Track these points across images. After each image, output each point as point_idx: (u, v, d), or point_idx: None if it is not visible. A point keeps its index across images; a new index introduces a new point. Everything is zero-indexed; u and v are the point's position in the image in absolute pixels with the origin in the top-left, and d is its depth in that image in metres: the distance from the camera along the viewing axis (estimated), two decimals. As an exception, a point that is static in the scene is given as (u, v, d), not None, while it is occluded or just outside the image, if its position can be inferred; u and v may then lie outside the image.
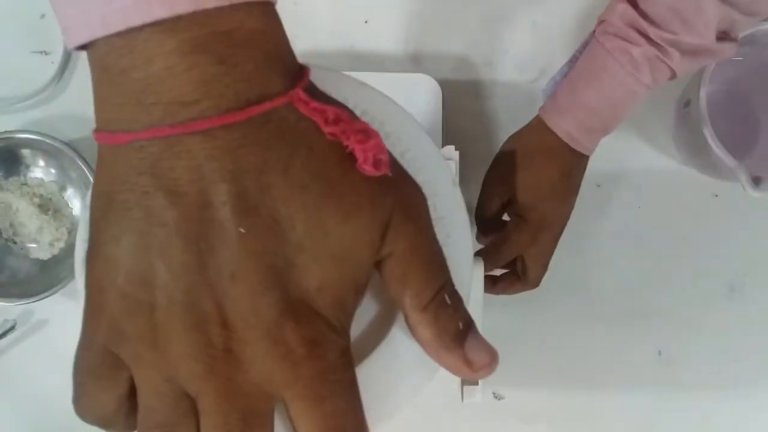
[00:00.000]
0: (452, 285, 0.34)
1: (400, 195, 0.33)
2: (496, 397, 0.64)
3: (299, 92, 0.30)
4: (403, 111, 0.39)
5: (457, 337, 0.34)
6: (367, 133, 0.32)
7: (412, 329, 0.34)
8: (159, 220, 0.29)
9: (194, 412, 0.30)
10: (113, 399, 0.31)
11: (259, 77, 0.30)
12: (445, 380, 0.53)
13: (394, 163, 0.33)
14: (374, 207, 0.32)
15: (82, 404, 0.31)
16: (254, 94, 0.29)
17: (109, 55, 0.29)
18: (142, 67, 0.29)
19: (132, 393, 0.31)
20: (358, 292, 0.32)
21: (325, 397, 0.30)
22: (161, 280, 0.29)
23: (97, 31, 0.28)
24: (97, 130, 0.30)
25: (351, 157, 0.32)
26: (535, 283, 0.61)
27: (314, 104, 0.31)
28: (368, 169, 0.31)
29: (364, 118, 0.33)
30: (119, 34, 0.28)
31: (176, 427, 0.30)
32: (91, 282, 0.31)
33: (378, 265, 0.33)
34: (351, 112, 0.32)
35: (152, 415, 0.30)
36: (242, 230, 0.29)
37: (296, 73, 0.31)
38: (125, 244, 0.29)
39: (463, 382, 0.55)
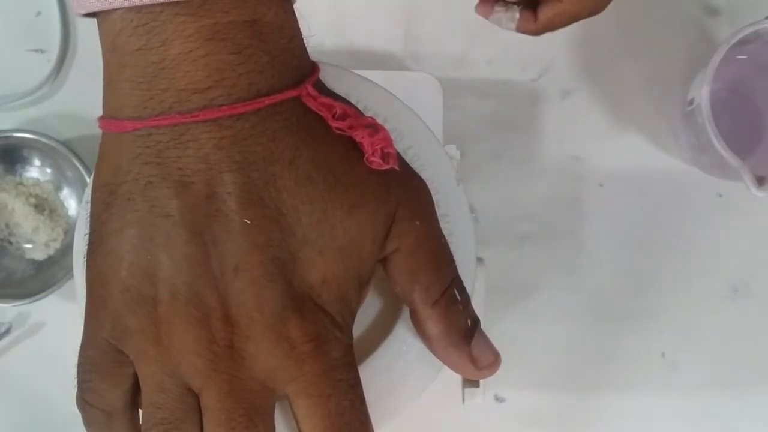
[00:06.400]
0: (461, 281, 0.34)
1: (405, 190, 0.33)
2: (497, 400, 0.64)
3: (308, 87, 0.31)
4: (406, 107, 0.39)
5: (465, 333, 0.34)
6: (375, 127, 0.32)
7: (420, 324, 0.34)
8: (163, 211, 0.29)
9: (198, 408, 0.30)
10: (119, 396, 0.31)
11: (272, 70, 0.30)
12: (446, 382, 0.53)
13: (400, 159, 0.34)
14: (379, 200, 0.32)
15: (87, 401, 0.31)
16: (265, 86, 0.29)
17: (122, 33, 0.29)
18: (157, 50, 0.28)
19: (137, 390, 0.31)
20: (362, 288, 0.32)
21: (330, 395, 0.30)
22: (164, 273, 0.29)
23: (116, 1, 0.28)
24: (102, 117, 0.30)
25: (357, 151, 0.32)
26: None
27: (322, 99, 0.31)
28: (376, 162, 0.31)
29: (367, 114, 0.33)
30: (139, 11, 0.28)
31: (181, 423, 0.29)
32: (93, 276, 0.31)
33: (383, 261, 0.33)
34: (357, 109, 0.33)
35: (156, 412, 0.30)
36: (247, 221, 0.29)
37: (307, 69, 0.32)
38: (128, 237, 0.29)
39: (464, 384, 0.54)
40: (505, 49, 0.65)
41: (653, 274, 0.64)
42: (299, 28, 0.32)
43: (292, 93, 0.30)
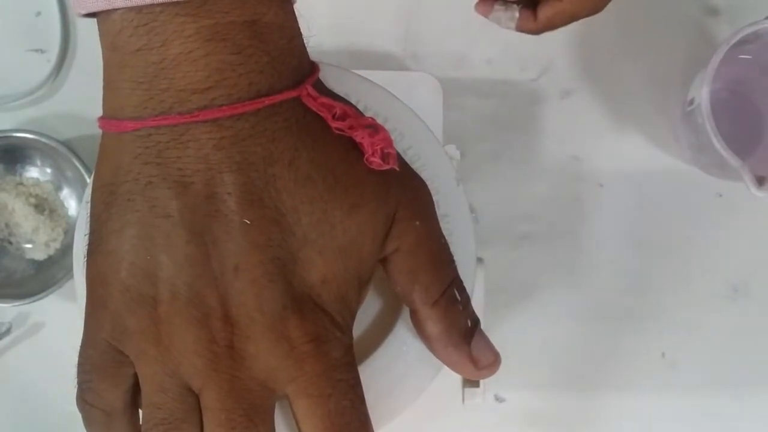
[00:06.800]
0: (461, 281, 0.34)
1: (405, 190, 0.33)
2: (497, 400, 0.64)
3: (308, 87, 0.31)
4: (406, 107, 0.39)
5: (465, 334, 0.34)
6: (375, 127, 0.32)
7: (420, 324, 0.34)
8: (163, 211, 0.29)
9: (198, 408, 0.30)
10: (119, 396, 0.31)
11: (271, 70, 0.30)
12: (446, 382, 0.53)
13: (400, 159, 0.34)
14: (379, 200, 0.32)
15: (87, 401, 0.31)
16: (265, 86, 0.29)
17: (122, 33, 0.29)
18: (157, 50, 0.28)
19: (137, 390, 0.31)
20: (362, 288, 0.32)
21: (330, 395, 0.30)
22: (165, 273, 0.29)
23: (117, 1, 0.28)
24: (102, 117, 0.30)
25: (357, 151, 0.32)
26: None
27: (322, 99, 0.31)
28: (376, 162, 0.31)
29: (367, 114, 0.33)
30: (139, 11, 0.28)
31: (181, 423, 0.29)
32: (93, 277, 0.31)
33: (383, 261, 0.33)
34: (357, 109, 0.33)
35: (156, 412, 0.30)
36: (247, 222, 0.29)
37: (307, 69, 0.32)
38: (128, 237, 0.29)
39: (464, 384, 0.54)
40: (505, 48, 0.65)
41: (653, 274, 0.64)
42: (299, 28, 0.32)
43: (292, 93, 0.30)
